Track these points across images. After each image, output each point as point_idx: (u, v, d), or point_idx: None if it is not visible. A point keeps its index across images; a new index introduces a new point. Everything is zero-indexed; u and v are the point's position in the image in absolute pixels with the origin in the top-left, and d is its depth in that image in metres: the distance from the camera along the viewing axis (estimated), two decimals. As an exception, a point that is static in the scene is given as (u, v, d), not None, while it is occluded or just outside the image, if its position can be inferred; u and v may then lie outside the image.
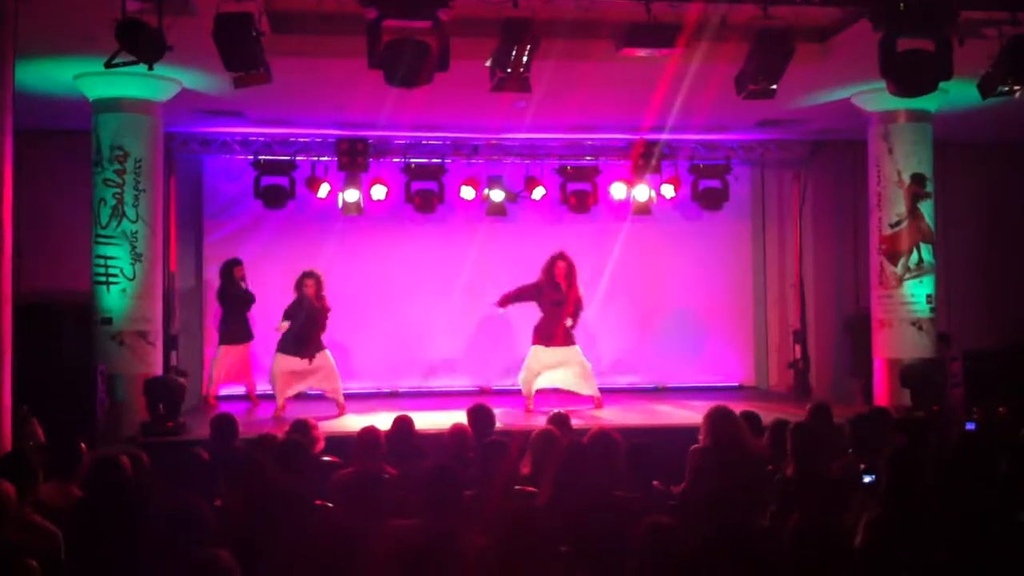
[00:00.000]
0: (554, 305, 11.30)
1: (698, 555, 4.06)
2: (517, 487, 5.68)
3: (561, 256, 11.38)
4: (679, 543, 4.04)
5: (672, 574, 3.94)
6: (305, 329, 11.01)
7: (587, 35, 9.07)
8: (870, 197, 11.93)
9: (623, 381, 13.59)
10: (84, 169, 10.76)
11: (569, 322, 11.33)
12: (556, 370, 11.30)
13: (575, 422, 10.11)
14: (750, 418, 7.09)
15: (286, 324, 11.09)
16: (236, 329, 12.06)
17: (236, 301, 12.07)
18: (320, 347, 11.13)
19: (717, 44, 8.93)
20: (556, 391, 11.40)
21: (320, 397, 11.31)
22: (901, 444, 5.68)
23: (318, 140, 12.93)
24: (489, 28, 8.24)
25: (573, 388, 11.38)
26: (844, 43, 9.56)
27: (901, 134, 11.55)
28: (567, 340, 11.33)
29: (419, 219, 13.57)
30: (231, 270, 12.09)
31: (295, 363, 11.01)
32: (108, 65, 7.37)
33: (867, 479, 5.58)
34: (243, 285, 12.05)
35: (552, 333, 11.28)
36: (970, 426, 6.93)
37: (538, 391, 11.29)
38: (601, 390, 11.57)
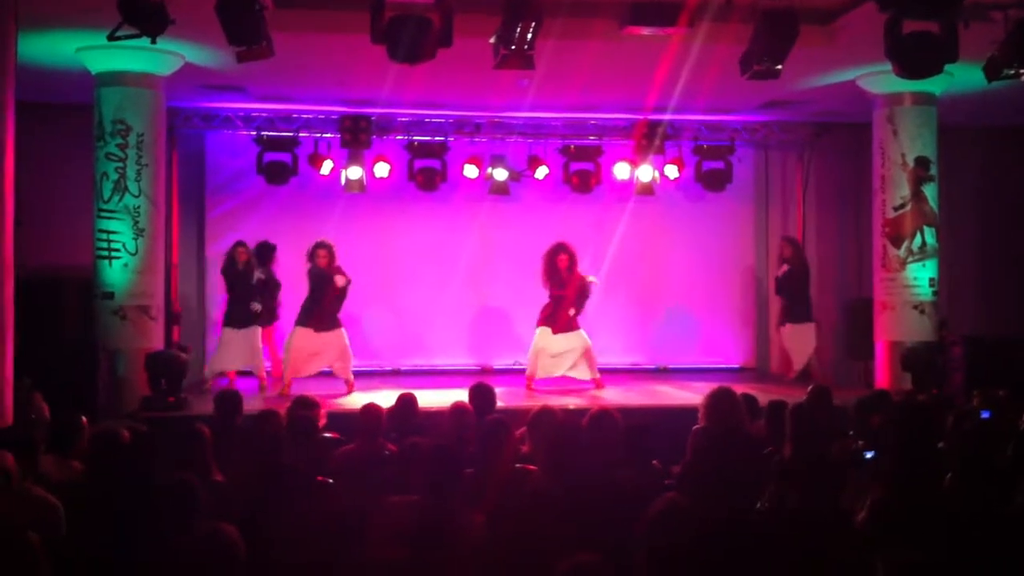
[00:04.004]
0: (557, 297, 11.47)
1: (703, 535, 4.07)
2: (517, 465, 5.70)
3: (563, 248, 11.48)
4: (692, 522, 4.05)
5: (683, 552, 3.95)
6: (318, 302, 10.97)
7: (591, 13, 9.05)
8: (874, 180, 11.91)
9: (624, 361, 13.60)
10: (86, 143, 10.74)
11: (572, 311, 11.45)
12: (561, 357, 11.43)
13: (576, 402, 10.22)
14: (747, 400, 7.10)
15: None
16: (233, 312, 11.63)
17: (235, 283, 11.75)
18: (335, 323, 11.06)
19: (721, 24, 8.89)
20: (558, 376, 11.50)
21: (328, 373, 11.31)
22: (907, 428, 5.67)
23: (321, 117, 12.90)
24: (493, 5, 8.20)
25: (574, 374, 11.51)
26: (850, 24, 9.52)
27: (906, 117, 11.51)
28: (570, 327, 11.47)
29: (421, 197, 13.56)
30: (232, 250, 11.79)
31: (309, 337, 10.97)
32: (111, 38, 7.33)
33: (868, 455, 5.59)
34: (239, 267, 11.57)
35: (556, 320, 11.44)
36: (985, 414, 6.90)
37: (543, 377, 11.39)
38: (602, 370, 11.70)
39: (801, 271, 12.98)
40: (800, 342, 12.78)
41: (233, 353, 11.58)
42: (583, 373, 11.51)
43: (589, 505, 4.84)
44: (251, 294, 11.60)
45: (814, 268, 13.93)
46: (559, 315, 11.45)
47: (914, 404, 7.06)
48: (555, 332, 11.41)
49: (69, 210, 11.89)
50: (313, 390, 8.95)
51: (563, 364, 11.46)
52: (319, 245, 11.10)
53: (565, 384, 11.46)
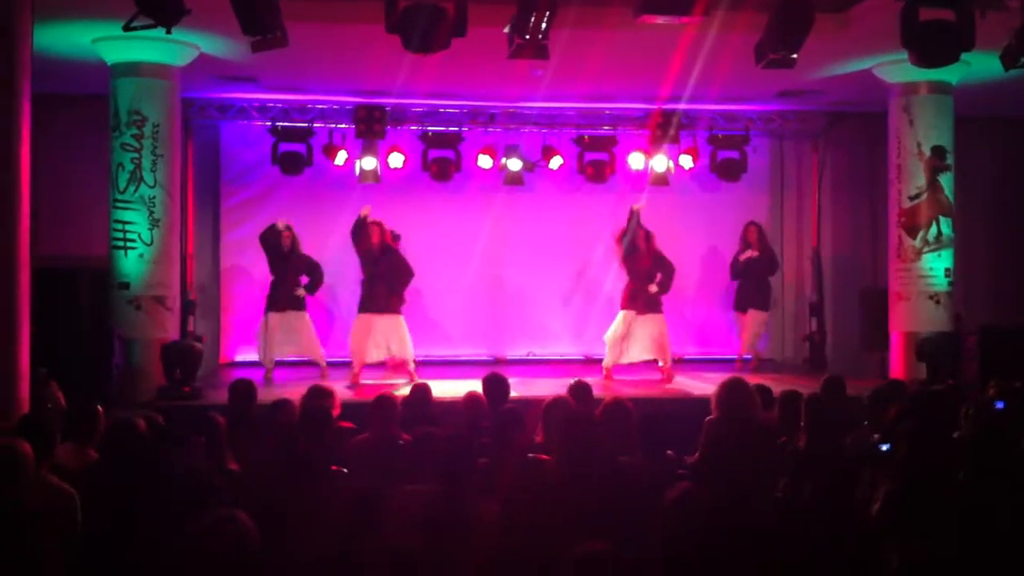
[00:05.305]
0: (640, 271, 11.45)
1: (717, 524, 4.08)
2: (531, 455, 5.70)
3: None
4: (705, 512, 4.06)
5: (696, 541, 3.96)
6: (369, 281, 10.96)
7: (605, 2, 9.01)
8: (889, 169, 11.86)
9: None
10: (102, 133, 10.78)
11: (654, 289, 11.43)
12: (642, 340, 11.47)
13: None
14: (761, 391, 7.09)
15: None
16: (274, 294, 11.53)
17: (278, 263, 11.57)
18: (390, 306, 10.92)
19: (736, 12, 8.86)
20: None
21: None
22: (922, 419, 5.66)
23: (335, 107, 12.91)
24: (507, -6, 8.18)
25: (653, 355, 11.56)
26: (865, 13, 9.48)
27: (922, 106, 11.45)
28: (653, 307, 11.49)
29: (436, 187, 13.56)
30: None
31: (365, 322, 10.92)
32: (126, 28, 7.35)
33: (884, 447, 5.58)
34: (283, 250, 11.47)
35: (638, 300, 11.45)
36: (1000, 405, 6.88)
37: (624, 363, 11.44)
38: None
39: (767, 258, 12.98)
40: (750, 330, 12.90)
41: (280, 338, 11.45)
42: (658, 356, 11.55)
43: (602, 494, 4.85)
44: (294, 277, 11.48)
45: (829, 259, 13.90)
46: (641, 294, 11.44)
47: (929, 394, 7.02)
48: (639, 314, 11.38)
49: (85, 201, 11.95)
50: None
51: (644, 348, 11.48)
52: (371, 223, 11.09)
53: (639, 372, 11.50)
